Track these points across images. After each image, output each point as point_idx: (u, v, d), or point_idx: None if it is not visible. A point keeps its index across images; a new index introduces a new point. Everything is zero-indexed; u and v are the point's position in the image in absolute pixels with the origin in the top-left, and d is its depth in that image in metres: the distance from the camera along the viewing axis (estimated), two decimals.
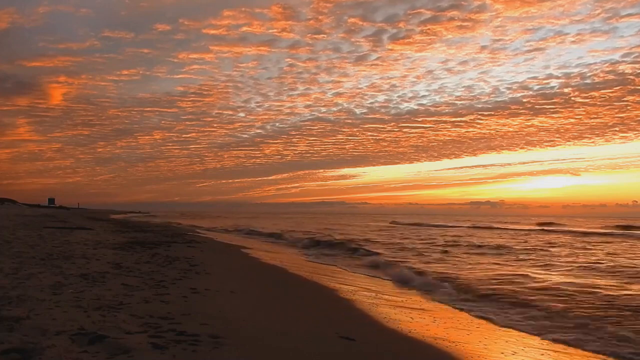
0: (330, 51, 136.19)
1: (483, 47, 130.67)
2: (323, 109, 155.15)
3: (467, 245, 25.47)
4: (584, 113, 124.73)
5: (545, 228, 50.54)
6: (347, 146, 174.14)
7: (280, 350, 5.33)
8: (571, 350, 7.12)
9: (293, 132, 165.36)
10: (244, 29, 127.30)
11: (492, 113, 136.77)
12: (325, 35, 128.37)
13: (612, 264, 17.42)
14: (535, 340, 7.55)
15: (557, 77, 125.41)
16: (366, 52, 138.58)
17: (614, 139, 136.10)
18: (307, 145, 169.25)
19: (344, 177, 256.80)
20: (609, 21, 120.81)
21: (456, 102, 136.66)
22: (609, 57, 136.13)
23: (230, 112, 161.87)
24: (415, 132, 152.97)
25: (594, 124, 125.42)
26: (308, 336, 6.29)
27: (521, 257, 19.85)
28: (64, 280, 8.41)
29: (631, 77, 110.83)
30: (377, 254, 20.22)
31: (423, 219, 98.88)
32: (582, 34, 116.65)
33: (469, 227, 53.95)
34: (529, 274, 14.44)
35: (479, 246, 24.87)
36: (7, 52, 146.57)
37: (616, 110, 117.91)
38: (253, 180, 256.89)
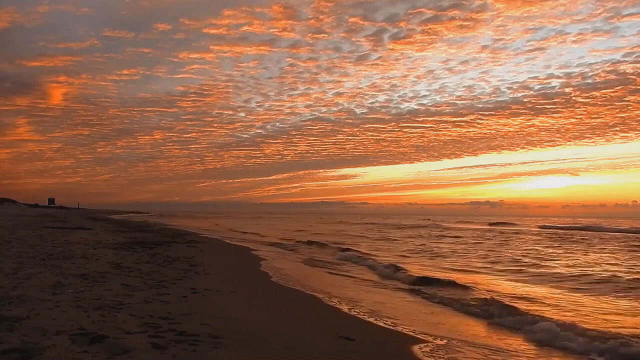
0: (330, 51, 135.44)
1: (484, 47, 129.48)
2: (323, 109, 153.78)
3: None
4: (584, 113, 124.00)
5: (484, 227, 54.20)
6: (347, 146, 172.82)
7: (280, 350, 5.33)
8: None
9: (293, 132, 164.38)
10: (245, 28, 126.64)
11: (493, 113, 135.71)
12: (326, 35, 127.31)
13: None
14: None
15: (558, 77, 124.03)
16: (367, 52, 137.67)
17: (614, 139, 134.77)
18: (307, 145, 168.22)
19: (344, 177, 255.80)
20: (611, 21, 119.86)
21: (457, 102, 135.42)
22: (610, 56, 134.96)
23: (231, 112, 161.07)
24: (416, 132, 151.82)
25: (595, 123, 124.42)
26: (308, 336, 6.29)
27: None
28: (64, 280, 8.41)
29: (632, 77, 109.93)
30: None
31: (384, 218, 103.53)
32: (583, 33, 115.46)
33: (418, 227, 53.87)
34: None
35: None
36: (7, 52, 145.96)
37: (617, 110, 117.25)
38: (253, 180, 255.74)
